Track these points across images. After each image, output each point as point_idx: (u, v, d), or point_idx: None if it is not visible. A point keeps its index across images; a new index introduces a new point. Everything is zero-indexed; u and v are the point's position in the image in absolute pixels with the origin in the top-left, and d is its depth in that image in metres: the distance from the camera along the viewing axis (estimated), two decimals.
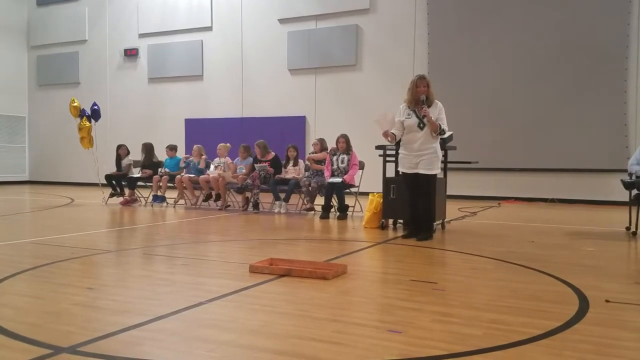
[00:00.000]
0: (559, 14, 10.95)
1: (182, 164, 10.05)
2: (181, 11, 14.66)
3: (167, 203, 9.91)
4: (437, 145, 5.91)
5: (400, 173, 6.12)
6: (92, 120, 10.34)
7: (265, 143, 9.12)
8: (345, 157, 8.25)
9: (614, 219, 7.84)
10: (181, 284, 3.81)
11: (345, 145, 8.27)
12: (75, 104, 10.26)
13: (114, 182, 10.32)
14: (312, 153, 8.80)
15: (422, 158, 5.80)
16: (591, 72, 10.74)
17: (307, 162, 8.89)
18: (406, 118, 5.84)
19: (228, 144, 9.82)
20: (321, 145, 8.72)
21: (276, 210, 8.70)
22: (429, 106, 5.73)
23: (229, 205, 9.30)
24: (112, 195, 10.25)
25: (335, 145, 8.37)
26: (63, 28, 16.39)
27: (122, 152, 10.63)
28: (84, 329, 2.76)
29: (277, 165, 8.94)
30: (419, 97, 5.70)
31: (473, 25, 11.64)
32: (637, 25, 10.44)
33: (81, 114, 10.24)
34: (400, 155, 6.06)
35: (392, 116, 5.91)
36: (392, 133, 5.84)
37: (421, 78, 5.80)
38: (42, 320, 2.92)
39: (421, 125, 5.76)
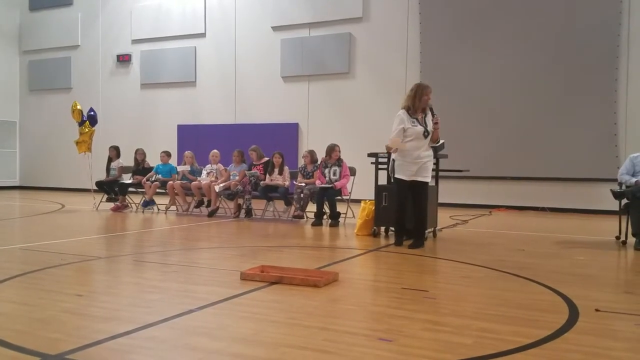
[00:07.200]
0: (551, 24, 11.05)
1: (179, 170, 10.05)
2: (174, 18, 14.65)
3: (158, 209, 9.86)
4: (432, 153, 6.06)
5: (393, 179, 6.11)
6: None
7: (258, 147, 9.35)
8: (337, 169, 8.30)
9: (604, 228, 7.88)
10: (171, 291, 3.79)
11: (339, 155, 8.34)
12: (79, 108, 10.17)
13: (105, 187, 10.28)
14: (303, 165, 8.81)
15: (421, 166, 5.83)
16: (582, 82, 10.82)
17: (297, 182, 8.81)
18: (412, 126, 5.80)
19: (216, 151, 9.81)
20: (311, 157, 8.72)
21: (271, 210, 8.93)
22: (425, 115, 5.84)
23: (216, 211, 9.21)
24: (109, 200, 10.20)
25: (325, 156, 8.40)
26: (55, 33, 16.32)
27: (112, 154, 10.58)
28: (72, 336, 2.74)
29: (268, 169, 9.01)
30: (427, 106, 5.79)
31: (465, 34, 11.72)
32: (627, 36, 10.55)
33: (83, 118, 10.18)
34: (398, 162, 5.90)
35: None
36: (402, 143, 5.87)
37: (429, 88, 5.88)
38: (30, 328, 2.89)
39: (426, 133, 5.81)
